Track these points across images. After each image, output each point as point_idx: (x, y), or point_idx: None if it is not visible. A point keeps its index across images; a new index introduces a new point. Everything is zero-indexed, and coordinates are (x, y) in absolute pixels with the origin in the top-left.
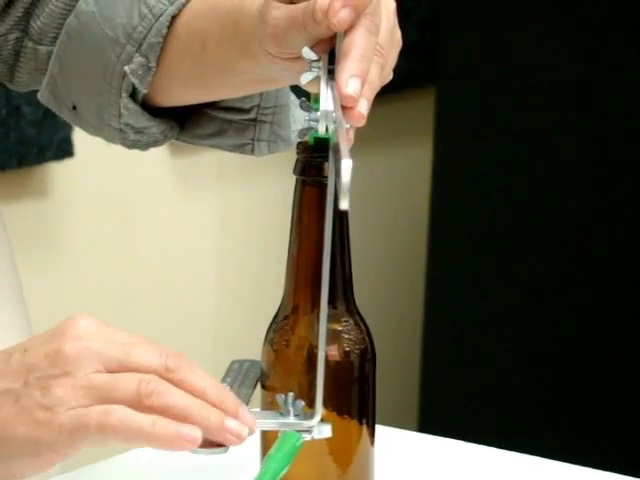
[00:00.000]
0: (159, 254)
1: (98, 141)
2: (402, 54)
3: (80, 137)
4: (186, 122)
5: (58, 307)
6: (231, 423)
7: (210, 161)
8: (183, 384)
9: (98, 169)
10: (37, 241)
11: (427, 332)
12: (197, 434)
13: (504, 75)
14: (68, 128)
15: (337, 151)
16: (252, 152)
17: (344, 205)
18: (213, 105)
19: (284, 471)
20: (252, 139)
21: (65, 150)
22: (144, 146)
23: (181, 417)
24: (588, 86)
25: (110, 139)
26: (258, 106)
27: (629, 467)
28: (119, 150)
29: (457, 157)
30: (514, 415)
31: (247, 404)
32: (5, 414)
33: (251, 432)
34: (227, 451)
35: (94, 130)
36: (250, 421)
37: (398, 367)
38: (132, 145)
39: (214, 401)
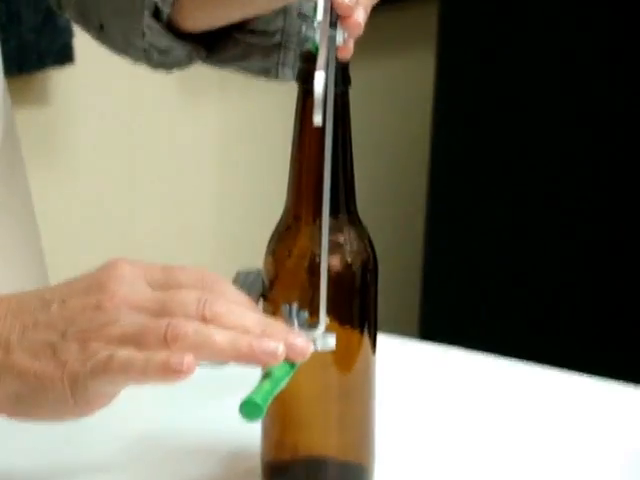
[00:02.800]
0: (160, 162)
1: (99, 47)
2: None
3: (80, 43)
4: (213, 46)
5: (59, 214)
6: (262, 344)
7: (212, 69)
8: (220, 321)
9: (99, 76)
10: (38, 148)
11: (429, 241)
12: (187, 360)
13: None
14: (68, 33)
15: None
16: (277, 76)
17: (317, 120)
18: (239, 28)
19: (285, 381)
20: (277, 63)
21: (65, 56)
22: (169, 67)
23: (212, 355)
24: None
25: (136, 59)
26: (282, 30)
27: (632, 374)
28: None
29: (460, 66)
30: (515, 323)
31: None
32: (44, 366)
33: (302, 355)
34: (227, 363)
35: (120, 50)
36: (302, 345)
37: (400, 277)
38: (157, 66)
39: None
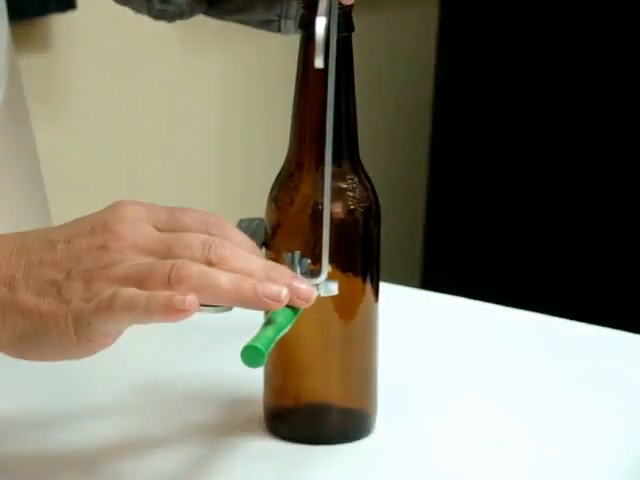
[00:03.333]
0: (162, 109)
1: None
2: None
3: None
4: None
5: (61, 159)
6: (265, 288)
7: None
8: (225, 265)
9: (101, 22)
10: (40, 94)
11: (431, 190)
12: (189, 299)
13: None
14: None
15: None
16: (279, 30)
17: (318, 62)
18: None
19: (288, 328)
20: (279, 16)
21: (67, 2)
22: (170, 17)
23: (215, 297)
24: None
25: (137, 8)
26: None
27: (629, 324)
28: None
29: (464, 10)
30: (516, 272)
31: None
32: (48, 304)
33: (307, 300)
34: (231, 309)
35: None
36: (306, 290)
37: (402, 225)
38: (158, 16)
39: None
